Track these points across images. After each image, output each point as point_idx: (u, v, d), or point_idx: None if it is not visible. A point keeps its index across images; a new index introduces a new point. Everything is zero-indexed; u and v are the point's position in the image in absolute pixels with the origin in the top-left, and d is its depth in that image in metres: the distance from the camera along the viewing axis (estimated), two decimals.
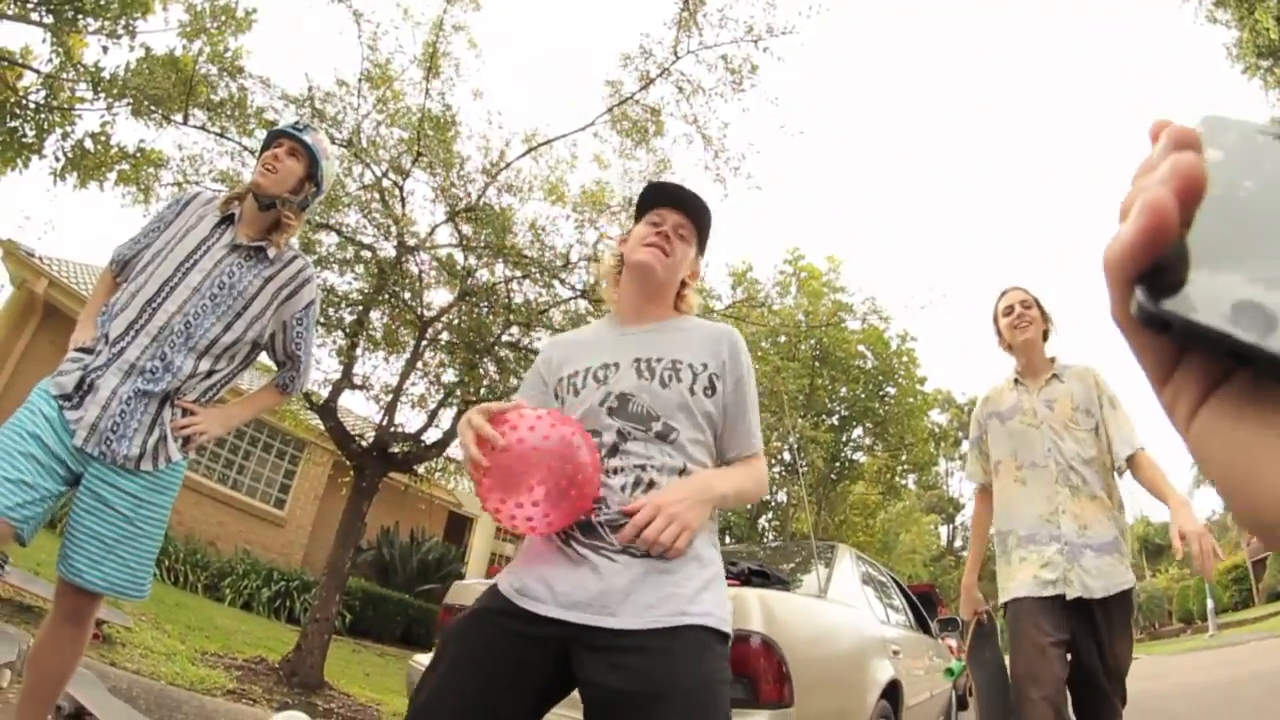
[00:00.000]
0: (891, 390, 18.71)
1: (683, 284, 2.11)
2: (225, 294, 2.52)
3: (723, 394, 1.92)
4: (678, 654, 1.59)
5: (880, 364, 18.18)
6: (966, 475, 3.76)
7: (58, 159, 6.59)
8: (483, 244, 7.07)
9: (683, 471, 1.79)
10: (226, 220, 2.64)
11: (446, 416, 7.54)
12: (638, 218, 2.11)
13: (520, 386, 2.11)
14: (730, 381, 1.94)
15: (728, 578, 3.06)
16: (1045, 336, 3.49)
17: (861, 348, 17.46)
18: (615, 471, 1.76)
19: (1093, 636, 3.11)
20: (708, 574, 1.74)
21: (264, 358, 2.82)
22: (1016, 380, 3.50)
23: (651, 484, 1.74)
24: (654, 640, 1.59)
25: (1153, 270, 0.31)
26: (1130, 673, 3.21)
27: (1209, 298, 0.30)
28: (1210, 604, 32.28)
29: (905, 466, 20.75)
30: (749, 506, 17.71)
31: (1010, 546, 3.33)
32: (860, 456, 19.59)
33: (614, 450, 1.79)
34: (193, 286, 2.49)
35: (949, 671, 5.17)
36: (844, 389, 17.92)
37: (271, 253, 2.64)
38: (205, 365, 2.51)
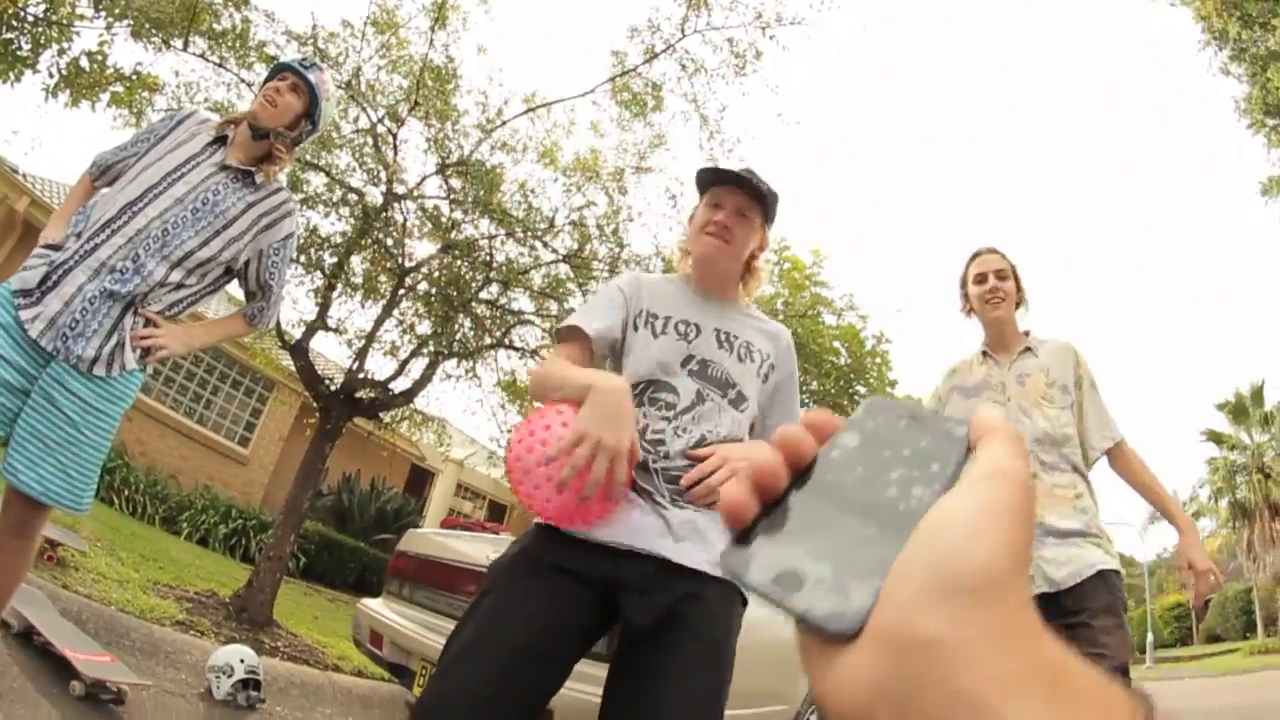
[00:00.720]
0: (862, 389, 18.77)
1: (751, 257, 2.12)
2: (207, 210, 2.50)
3: (771, 385, 2.06)
4: (712, 601, 1.74)
5: (854, 362, 18.26)
6: None
7: (51, 75, 6.49)
8: (470, 199, 7.06)
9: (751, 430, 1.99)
10: (219, 141, 2.62)
11: (417, 367, 7.55)
12: (700, 193, 2.12)
13: (591, 300, 2.14)
14: (783, 374, 2.09)
15: None
16: (1017, 307, 3.19)
17: (837, 344, 17.55)
18: (682, 431, 1.85)
19: (1074, 632, 2.67)
20: None
21: (234, 289, 2.83)
22: (985, 354, 3.21)
23: (702, 438, 1.86)
24: (693, 585, 1.73)
25: (742, 533, 0.39)
26: None
27: (762, 566, 0.37)
28: (1150, 637, 33.00)
29: None
30: None
31: None
32: None
33: (688, 409, 1.87)
34: (176, 197, 2.47)
35: None
36: (815, 383, 18.02)
37: (259, 179, 2.63)
38: (176, 276, 2.47)
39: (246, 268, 2.70)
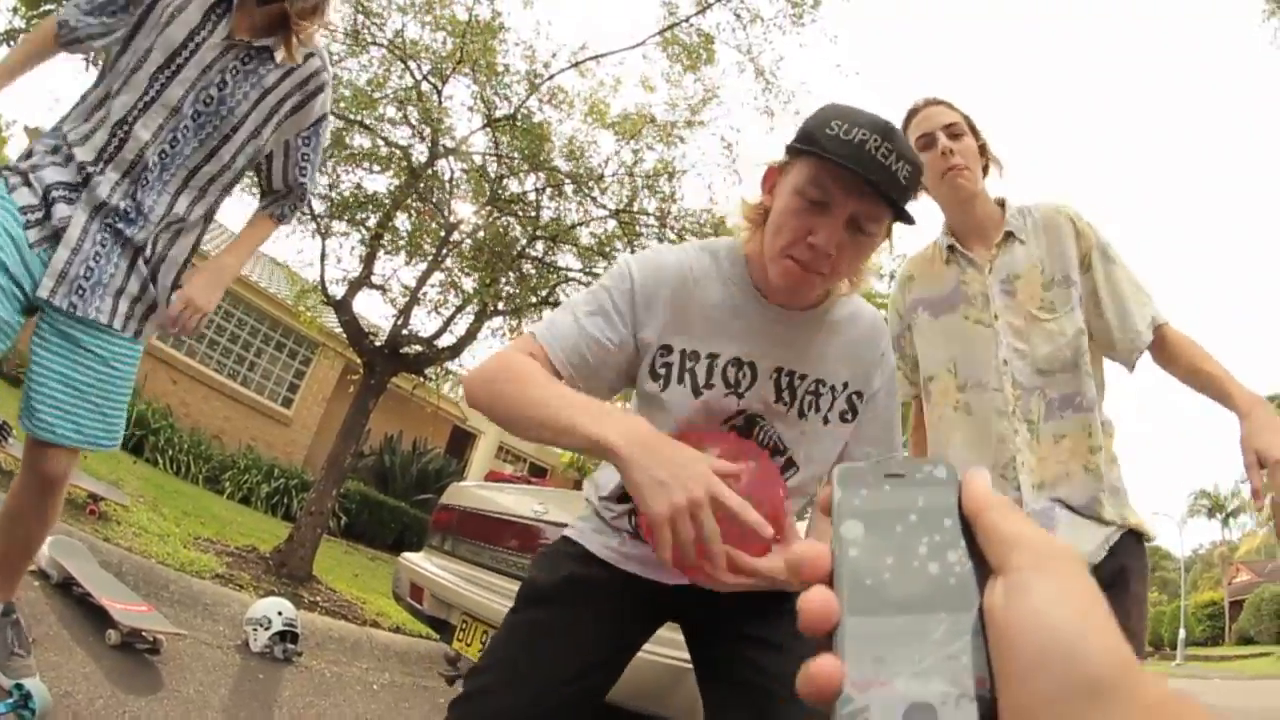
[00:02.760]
0: None
1: None
2: (211, 113, 2.03)
3: (862, 414, 1.54)
4: (786, 612, 1.38)
5: None
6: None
7: None
8: (517, 154, 6.94)
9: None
10: (222, 4, 1.99)
11: (462, 324, 7.50)
12: (793, 153, 1.35)
13: (576, 304, 1.46)
14: (875, 390, 1.55)
15: None
16: (985, 173, 2.18)
17: (884, 314, 17.29)
18: None
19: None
20: None
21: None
22: (953, 248, 2.18)
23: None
24: (759, 598, 1.36)
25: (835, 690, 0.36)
26: None
27: (885, 717, 0.34)
28: (1182, 633, 32.64)
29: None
30: None
31: None
32: None
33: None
34: (171, 106, 1.97)
35: None
36: None
37: (279, 56, 2.08)
38: (183, 204, 2.08)
39: (270, 162, 2.28)
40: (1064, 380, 2.05)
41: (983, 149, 2.15)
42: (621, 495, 1.52)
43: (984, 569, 0.38)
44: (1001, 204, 2.19)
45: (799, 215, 1.29)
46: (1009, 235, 2.13)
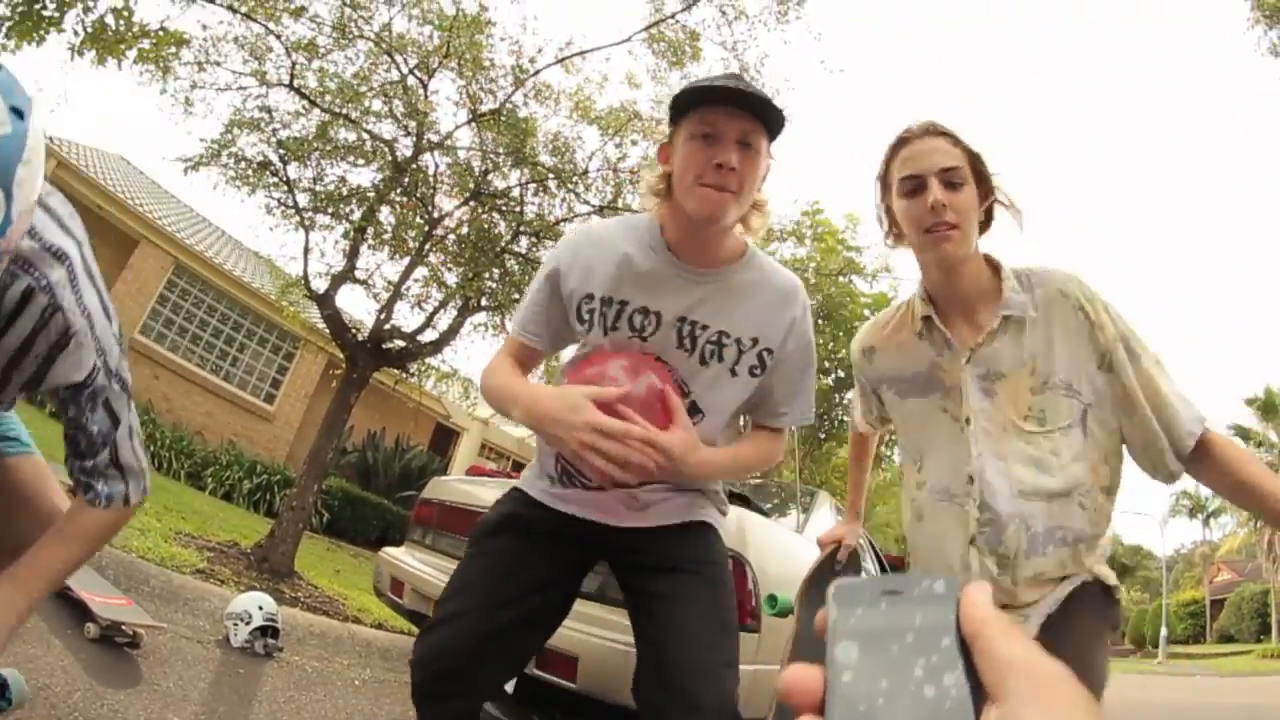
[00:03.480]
0: None
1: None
2: None
3: (773, 368, 1.72)
4: (694, 536, 1.80)
5: None
6: (854, 421, 2.18)
7: (76, 34, 6.39)
8: (502, 149, 6.93)
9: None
10: None
11: (444, 320, 7.47)
12: (674, 121, 1.62)
13: (525, 302, 1.80)
14: (788, 350, 1.73)
15: None
16: (985, 228, 1.70)
17: (868, 312, 17.32)
18: None
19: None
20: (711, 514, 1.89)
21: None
22: (929, 319, 1.72)
23: None
24: (674, 534, 1.79)
25: None
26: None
27: None
28: (1164, 632, 33.10)
29: (893, 438, 20.71)
30: None
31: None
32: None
33: None
34: None
35: (770, 600, 3.34)
36: (843, 351, 17.86)
37: None
38: None
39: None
40: (1043, 510, 1.60)
41: (986, 196, 1.66)
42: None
43: (983, 691, 0.37)
44: (995, 267, 1.71)
45: (697, 152, 1.54)
46: (1006, 320, 1.64)
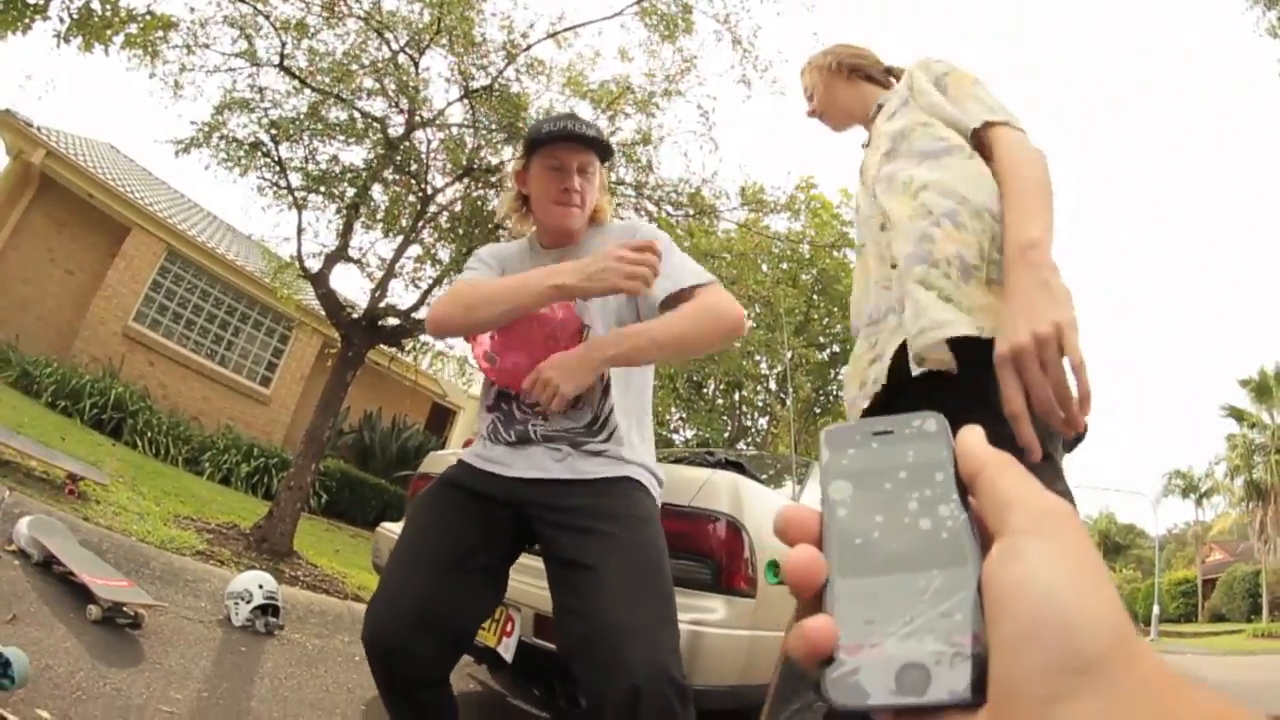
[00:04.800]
0: None
1: None
2: None
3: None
4: (613, 494, 1.87)
5: None
6: None
7: (62, 20, 6.34)
8: (494, 126, 6.91)
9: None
10: None
11: (439, 295, 7.42)
12: (527, 154, 2.05)
13: (469, 271, 2.13)
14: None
15: (704, 465, 3.14)
16: (853, 75, 2.10)
17: None
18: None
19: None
20: (631, 463, 1.94)
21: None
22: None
23: (578, 400, 1.91)
24: (593, 488, 1.87)
25: (826, 658, 0.36)
26: None
27: (875, 679, 0.35)
28: (1156, 610, 33.37)
29: None
30: (728, 425, 17.78)
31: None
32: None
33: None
34: None
35: (773, 566, 3.25)
36: (839, 326, 17.88)
37: None
38: None
39: None
40: (906, 228, 1.66)
41: (838, 70, 2.11)
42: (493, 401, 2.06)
43: (983, 525, 0.37)
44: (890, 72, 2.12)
45: (550, 180, 1.98)
46: (878, 108, 2.00)
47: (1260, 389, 31.05)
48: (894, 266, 1.67)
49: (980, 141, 1.72)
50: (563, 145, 1.97)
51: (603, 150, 2.04)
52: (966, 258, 1.55)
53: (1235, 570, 36.15)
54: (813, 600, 0.38)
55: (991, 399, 1.37)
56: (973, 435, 0.40)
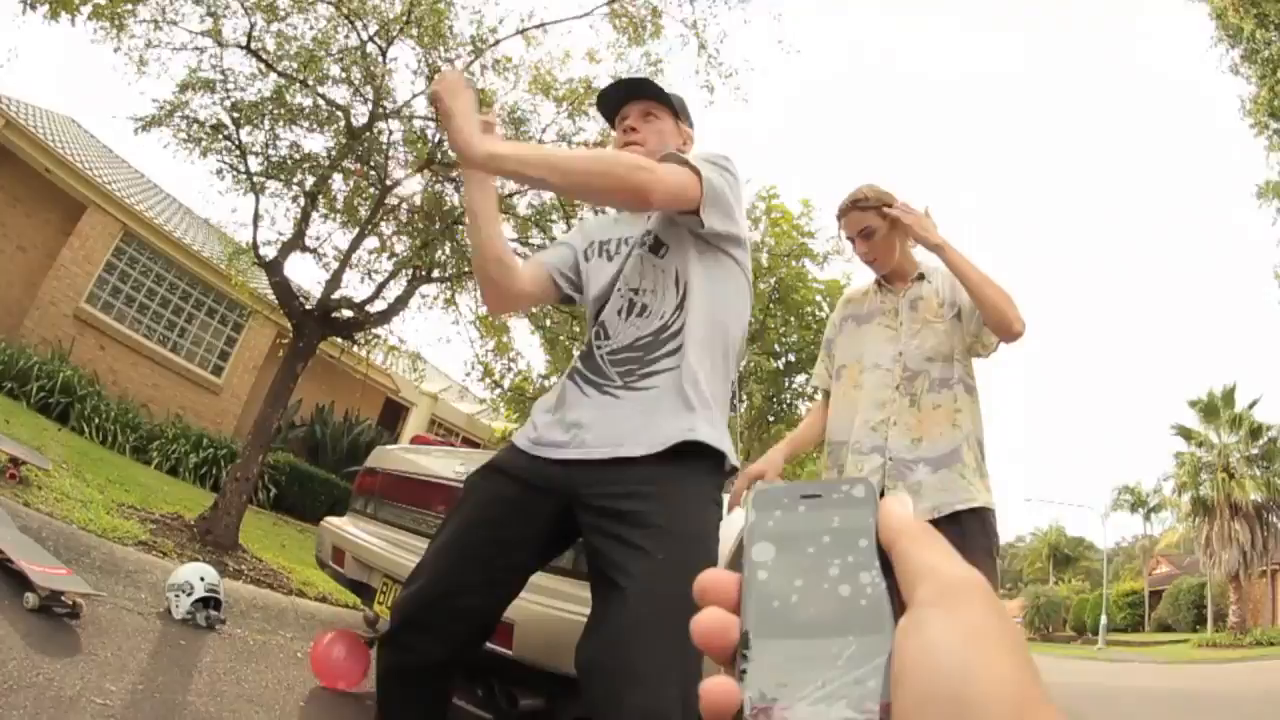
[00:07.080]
0: None
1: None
2: None
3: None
4: (673, 490, 1.74)
5: None
6: (813, 380, 3.29)
7: None
8: None
9: (677, 281, 1.92)
10: None
11: (394, 290, 7.43)
12: (610, 123, 2.24)
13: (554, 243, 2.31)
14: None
15: None
16: (907, 237, 2.87)
17: (819, 298, 17.45)
18: (616, 310, 1.95)
19: None
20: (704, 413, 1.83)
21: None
22: (880, 284, 2.97)
23: (644, 308, 1.91)
24: (645, 473, 1.73)
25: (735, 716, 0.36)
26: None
27: None
28: (1104, 620, 34.11)
29: None
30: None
31: (841, 461, 2.83)
32: (801, 405, 19.72)
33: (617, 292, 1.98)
34: None
35: None
36: (795, 335, 17.96)
37: None
38: None
39: None
40: (945, 366, 2.75)
41: (893, 226, 2.80)
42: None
43: (899, 595, 0.38)
44: (918, 261, 2.94)
45: (620, 136, 2.14)
46: (921, 276, 2.90)
47: (1208, 409, 31.71)
48: (919, 439, 2.69)
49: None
50: (618, 104, 2.16)
51: (666, 98, 2.16)
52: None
53: (1181, 582, 37.06)
54: (728, 662, 0.38)
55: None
56: (895, 504, 0.41)
